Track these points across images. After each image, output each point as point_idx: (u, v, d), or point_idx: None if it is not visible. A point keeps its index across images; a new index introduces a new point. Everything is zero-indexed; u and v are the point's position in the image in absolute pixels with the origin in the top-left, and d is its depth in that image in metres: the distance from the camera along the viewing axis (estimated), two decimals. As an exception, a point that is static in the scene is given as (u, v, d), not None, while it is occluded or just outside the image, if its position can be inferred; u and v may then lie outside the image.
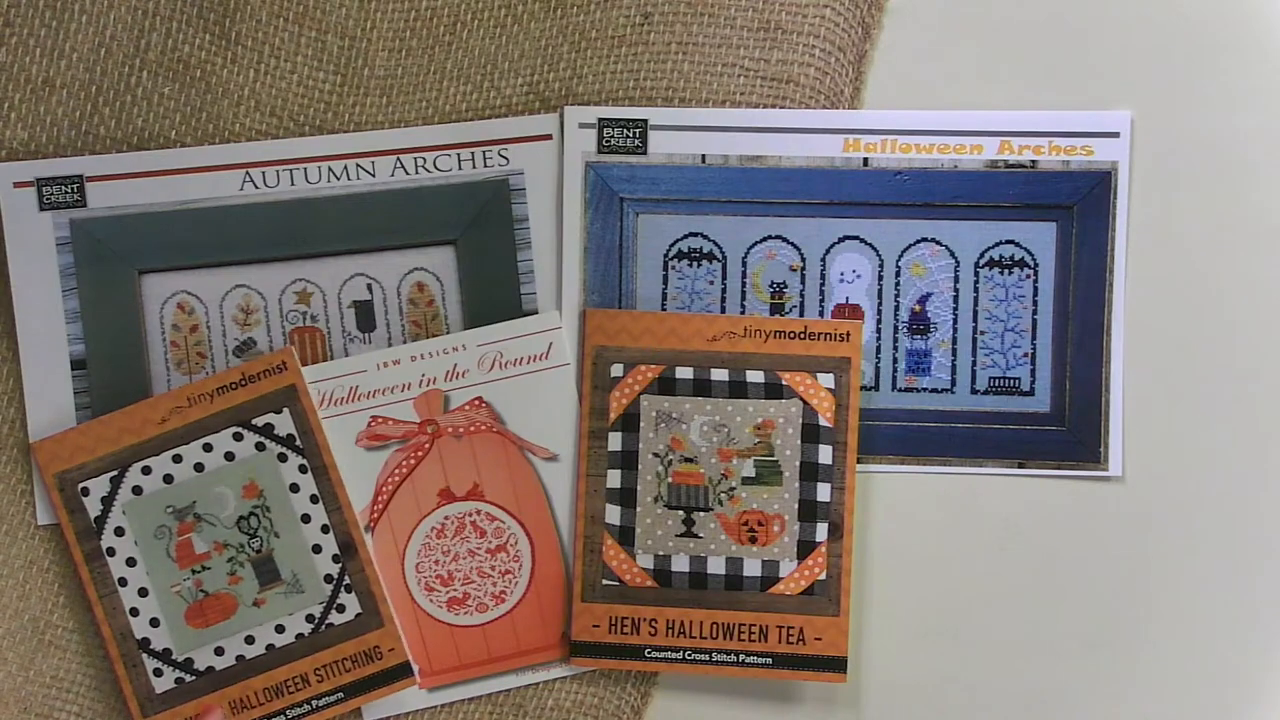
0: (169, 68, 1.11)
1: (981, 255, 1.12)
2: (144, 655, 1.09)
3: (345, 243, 1.12)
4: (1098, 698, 1.13)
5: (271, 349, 1.13)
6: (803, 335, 1.07)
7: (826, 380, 1.08)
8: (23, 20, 1.10)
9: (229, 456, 1.10)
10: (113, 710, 1.12)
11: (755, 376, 1.07)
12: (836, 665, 1.08)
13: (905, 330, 1.12)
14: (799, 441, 1.07)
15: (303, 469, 1.10)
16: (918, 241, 1.12)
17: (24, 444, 1.12)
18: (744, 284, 1.12)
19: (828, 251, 1.12)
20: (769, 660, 1.08)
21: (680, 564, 1.08)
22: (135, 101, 1.11)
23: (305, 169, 1.11)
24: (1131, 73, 1.12)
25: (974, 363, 1.12)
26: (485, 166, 1.12)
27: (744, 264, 1.12)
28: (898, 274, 1.12)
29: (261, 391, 1.09)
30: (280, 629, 1.10)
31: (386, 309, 1.13)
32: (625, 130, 1.11)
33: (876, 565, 1.11)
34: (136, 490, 1.09)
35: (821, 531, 1.08)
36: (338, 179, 1.12)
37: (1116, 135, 1.10)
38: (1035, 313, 1.11)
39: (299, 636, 1.10)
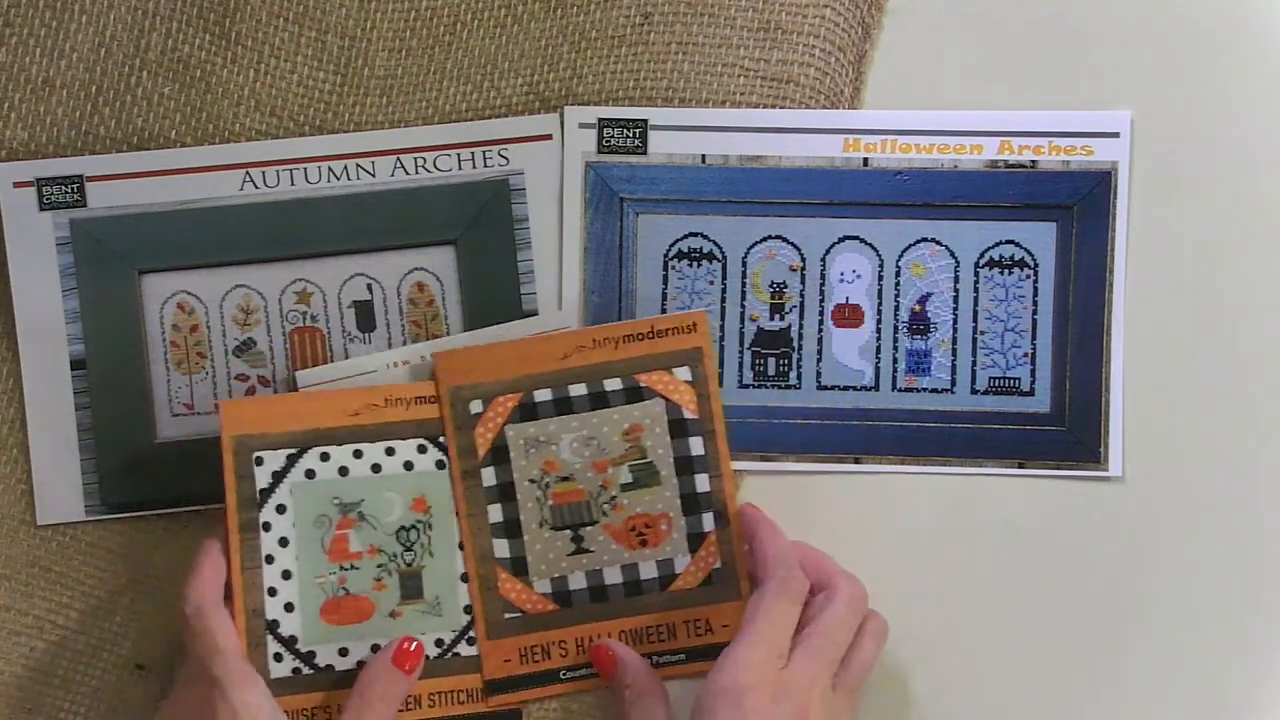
0: (169, 68, 1.11)
1: (981, 255, 1.12)
2: (269, 637, 1.07)
3: (345, 243, 1.12)
4: (1097, 698, 1.13)
5: (271, 349, 1.13)
6: (651, 335, 1.07)
7: (683, 374, 1.07)
8: (23, 20, 1.10)
9: (408, 466, 1.09)
10: (115, 712, 1.12)
11: (613, 384, 1.07)
12: None
13: (905, 330, 1.12)
14: (668, 438, 1.07)
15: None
16: (918, 241, 1.12)
17: (23, 444, 1.12)
18: (744, 284, 1.12)
19: (828, 251, 1.12)
20: (682, 656, 1.07)
21: (577, 582, 1.07)
22: (135, 101, 1.11)
23: (305, 169, 1.12)
24: (1131, 73, 1.12)
25: (974, 363, 1.12)
26: (485, 166, 1.12)
27: (744, 264, 1.12)
28: (898, 274, 1.12)
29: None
30: None
31: (386, 309, 1.13)
32: (625, 130, 1.11)
33: (876, 565, 1.11)
34: (309, 474, 1.08)
35: (709, 521, 1.07)
36: (338, 179, 1.12)
37: (1116, 135, 1.10)
38: (1035, 313, 1.11)
39: (425, 658, 1.09)
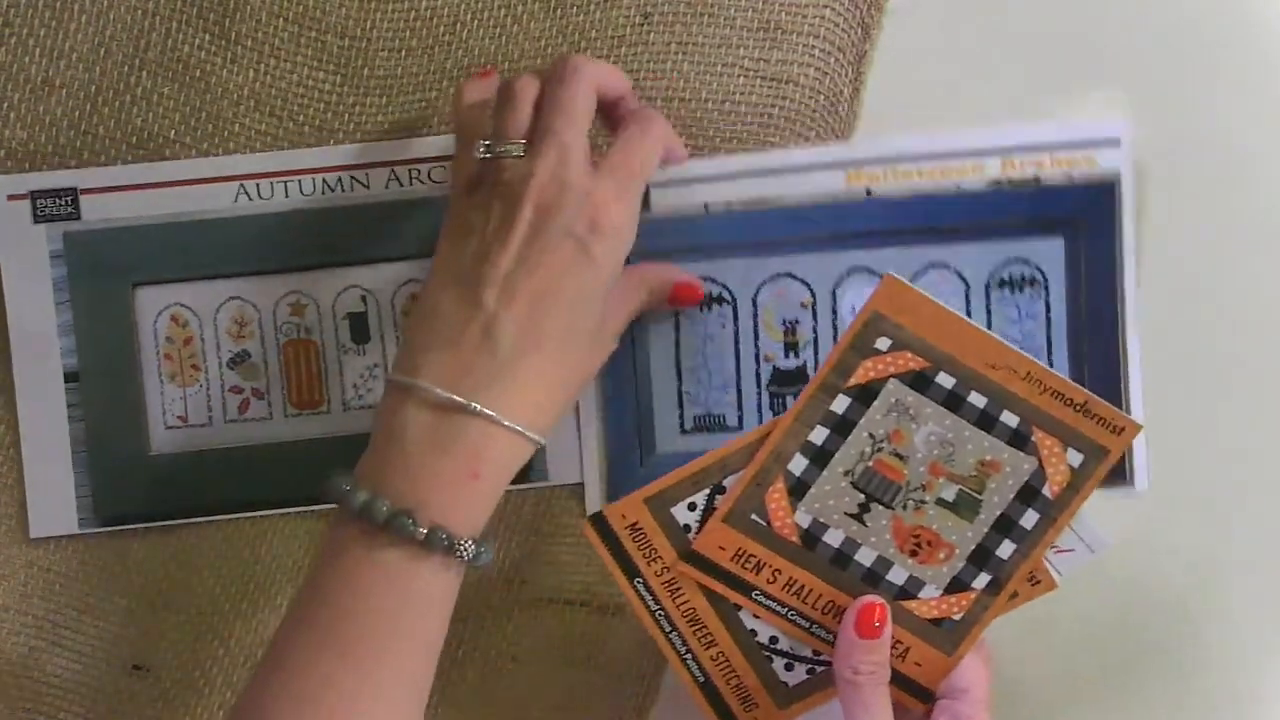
0: (169, 68, 1.11)
1: (991, 276, 1.10)
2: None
3: (339, 255, 1.12)
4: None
5: (265, 361, 1.13)
6: (1079, 407, 1.01)
7: (1074, 458, 1.01)
8: (22, 20, 1.10)
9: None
10: (114, 712, 1.13)
11: (1009, 419, 1.01)
12: (922, 694, 1.03)
13: None
14: (1012, 496, 1.02)
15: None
16: (926, 268, 1.10)
17: (16, 457, 1.12)
18: (756, 324, 1.11)
19: (838, 285, 1.10)
20: None
21: (833, 538, 1.02)
22: (134, 101, 1.11)
23: (299, 181, 1.11)
24: (1133, 71, 1.11)
25: (993, 383, 1.10)
26: (481, 177, 1.12)
27: (754, 304, 1.11)
28: (910, 301, 1.10)
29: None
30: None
31: (381, 320, 1.13)
32: None
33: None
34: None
35: (981, 580, 1.03)
36: (332, 190, 1.11)
37: (1117, 143, 1.09)
38: (1049, 329, 1.10)
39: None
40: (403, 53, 1.12)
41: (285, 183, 1.11)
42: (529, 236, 0.97)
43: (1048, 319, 1.10)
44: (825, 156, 1.11)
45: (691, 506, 1.03)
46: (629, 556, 1.03)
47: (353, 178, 1.12)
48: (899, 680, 1.02)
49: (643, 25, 1.11)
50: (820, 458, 1.02)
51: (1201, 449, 1.12)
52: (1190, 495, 1.12)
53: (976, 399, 1.01)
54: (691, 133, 1.12)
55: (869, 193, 1.10)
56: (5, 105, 1.11)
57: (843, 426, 1.02)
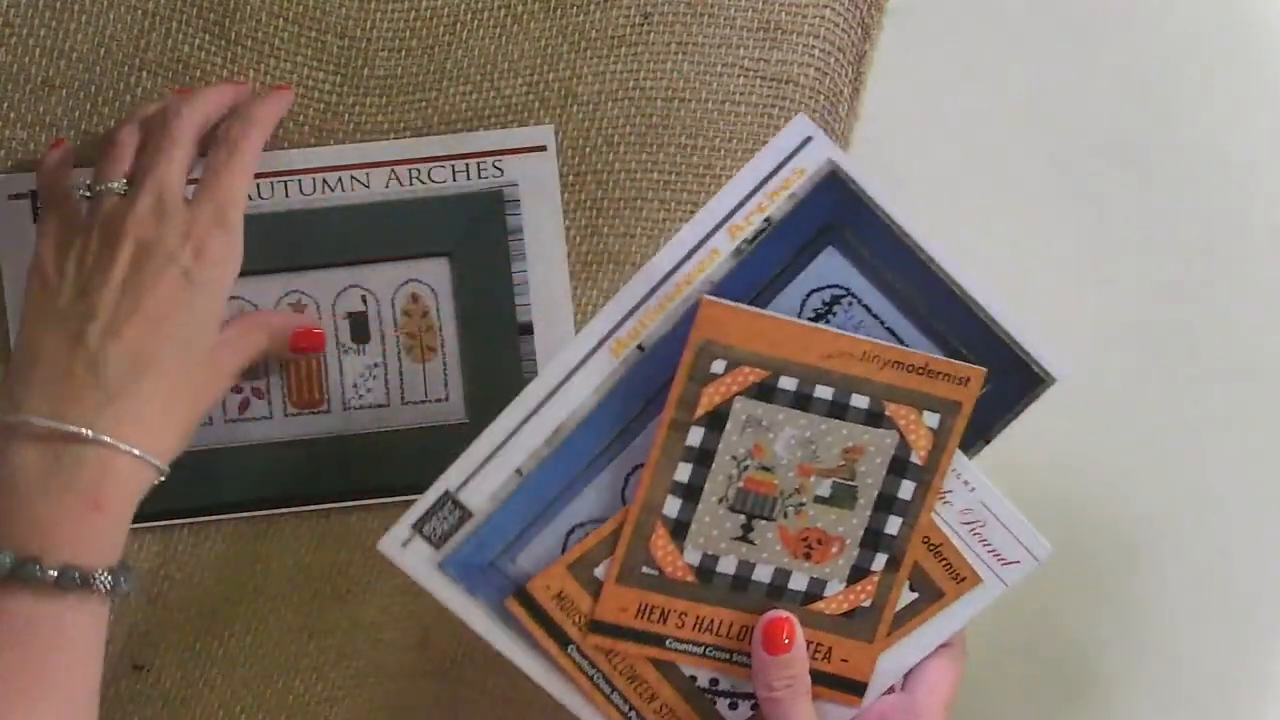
0: (169, 68, 1.11)
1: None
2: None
3: (339, 254, 1.12)
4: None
5: (265, 361, 1.12)
6: (921, 371, 1.01)
7: (930, 420, 1.02)
8: (22, 20, 1.10)
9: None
10: (114, 712, 1.12)
11: (859, 401, 1.01)
12: (855, 688, 1.04)
13: None
14: (884, 473, 1.02)
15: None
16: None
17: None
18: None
19: None
20: None
21: (727, 565, 1.03)
22: (135, 101, 1.11)
23: (299, 180, 1.11)
24: (1132, 71, 1.11)
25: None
26: (480, 178, 1.12)
27: None
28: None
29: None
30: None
31: (380, 320, 1.12)
32: None
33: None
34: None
35: (879, 561, 1.03)
36: (332, 190, 1.11)
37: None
38: (885, 324, 1.02)
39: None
40: (403, 53, 1.12)
41: (285, 183, 1.11)
42: (132, 270, 0.98)
43: (875, 317, 1.03)
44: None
45: None
46: (558, 626, 1.03)
47: (353, 177, 1.12)
48: (828, 681, 1.04)
49: (643, 25, 1.11)
50: (691, 493, 1.02)
51: (1200, 448, 1.12)
52: (1187, 493, 1.12)
53: (823, 392, 1.01)
54: (691, 133, 1.12)
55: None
56: (5, 105, 1.11)
57: (703, 457, 1.02)
